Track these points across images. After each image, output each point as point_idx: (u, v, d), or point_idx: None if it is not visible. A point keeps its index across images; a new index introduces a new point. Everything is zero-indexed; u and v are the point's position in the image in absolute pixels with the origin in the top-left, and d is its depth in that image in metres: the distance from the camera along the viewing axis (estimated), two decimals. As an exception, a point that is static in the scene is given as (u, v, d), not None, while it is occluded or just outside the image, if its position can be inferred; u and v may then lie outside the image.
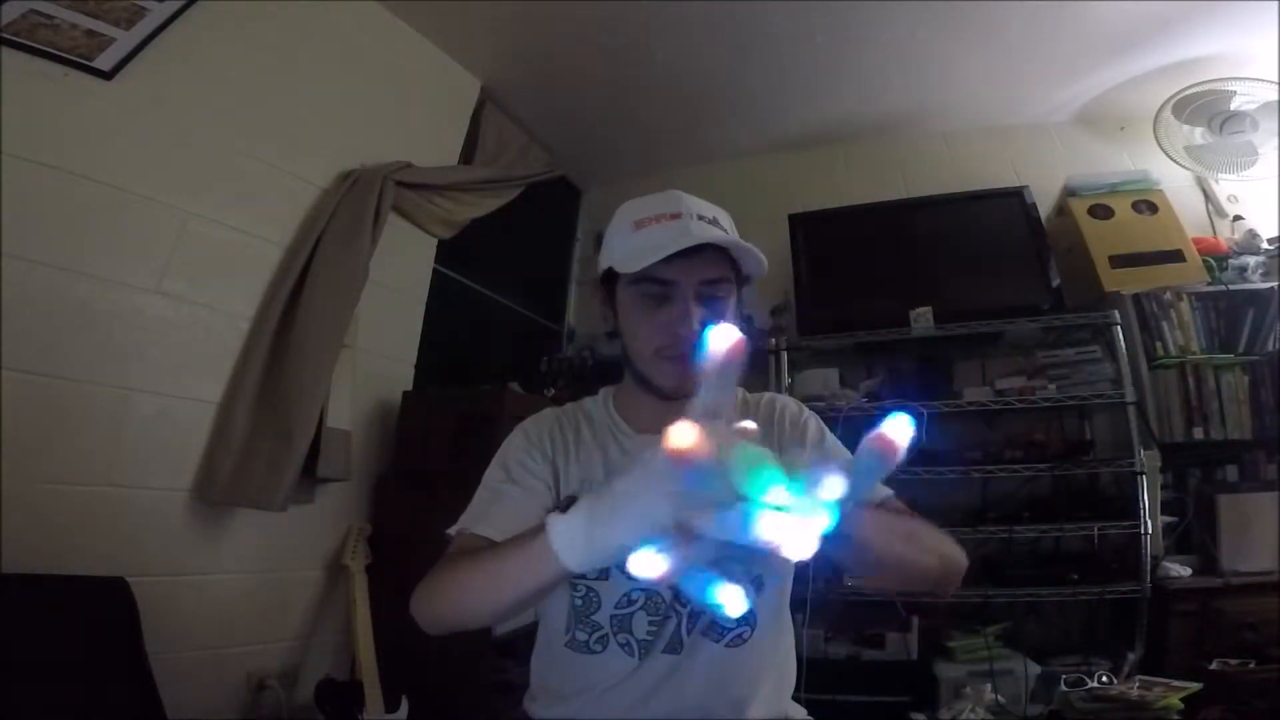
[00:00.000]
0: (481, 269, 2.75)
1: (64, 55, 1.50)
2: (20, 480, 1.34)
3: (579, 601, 0.87)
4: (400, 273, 2.27)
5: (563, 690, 0.90)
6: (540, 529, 0.52)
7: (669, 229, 0.82)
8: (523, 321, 3.04)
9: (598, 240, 0.95)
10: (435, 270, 2.46)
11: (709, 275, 0.83)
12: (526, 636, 1.92)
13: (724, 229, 0.85)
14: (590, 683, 0.87)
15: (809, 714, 0.96)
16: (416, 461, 2.06)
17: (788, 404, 0.97)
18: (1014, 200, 2.56)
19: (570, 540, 0.49)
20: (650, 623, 0.85)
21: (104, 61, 1.55)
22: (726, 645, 0.86)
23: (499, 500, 0.83)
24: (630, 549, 0.41)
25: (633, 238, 0.85)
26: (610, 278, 0.89)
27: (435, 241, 2.42)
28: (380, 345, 2.16)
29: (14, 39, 1.43)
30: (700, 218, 0.84)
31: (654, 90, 2.73)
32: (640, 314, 0.85)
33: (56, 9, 1.50)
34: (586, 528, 0.48)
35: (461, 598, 0.69)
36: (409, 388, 2.26)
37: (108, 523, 1.49)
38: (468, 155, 2.60)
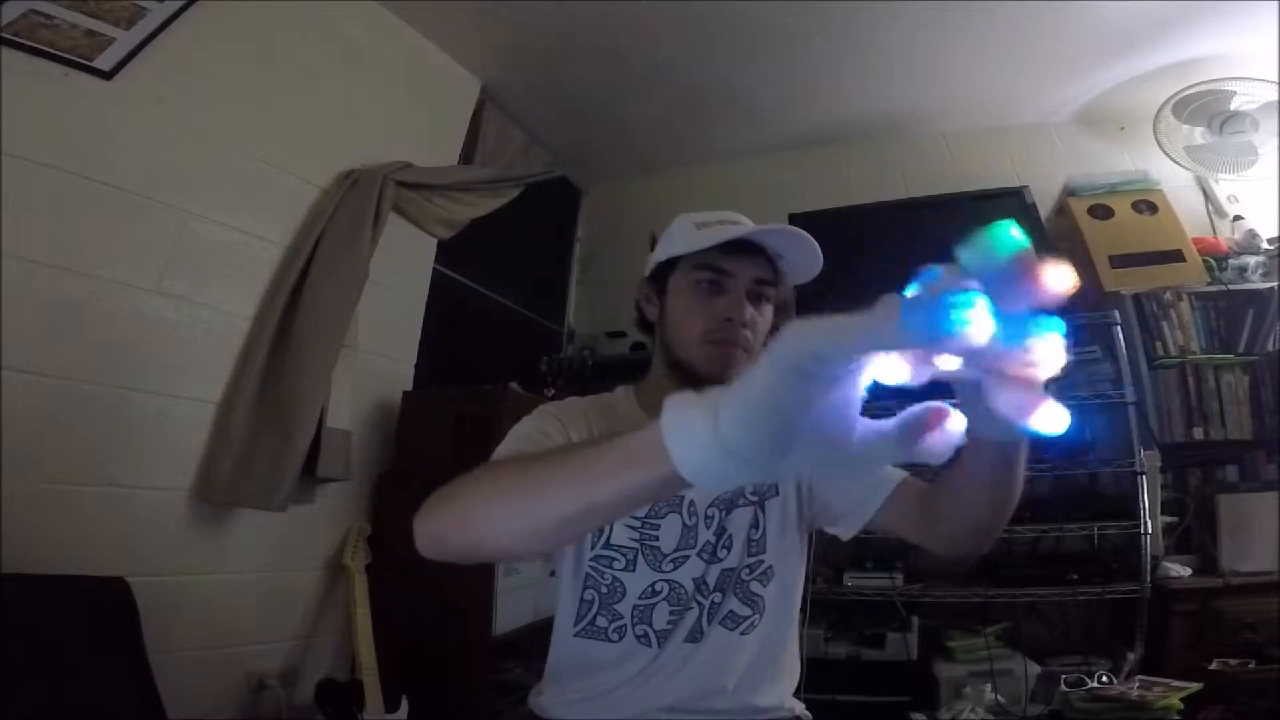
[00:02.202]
0: (481, 269, 2.75)
1: (64, 55, 1.50)
2: (20, 480, 1.34)
3: (604, 589, 0.88)
4: (400, 273, 2.27)
5: (575, 683, 0.90)
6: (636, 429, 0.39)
7: (733, 229, 0.88)
8: (523, 321, 3.04)
9: (652, 241, 1.01)
10: (435, 270, 2.46)
11: (762, 275, 0.90)
12: (527, 636, 1.93)
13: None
14: (606, 676, 0.88)
15: (809, 714, 0.96)
16: (416, 461, 2.06)
17: None
18: (1014, 200, 2.56)
19: (696, 434, 0.33)
20: (671, 613, 0.87)
21: (104, 61, 1.55)
22: (740, 633, 0.88)
23: (544, 443, 0.81)
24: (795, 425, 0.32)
25: (697, 233, 0.90)
26: (660, 274, 0.95)
27: (435, 241, 2.42)
28: (380, 345, 2.16)
29: (14, 39, 1.43)
30: (776, 226, 0.89)
31: (654, 90, 2.73)
32: (694, 299, 0.90)
33: (56, 9, 1.50)
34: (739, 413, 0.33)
35: (505, 502, 0.49)
36: (409, 388, 2.26)
37: (108, 523, 1.49)
38: (468, 155, 2.60)
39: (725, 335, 0.87)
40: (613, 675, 0.88)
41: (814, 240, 0.87)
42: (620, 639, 0.87)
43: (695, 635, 0.87)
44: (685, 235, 0.91)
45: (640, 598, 0.87)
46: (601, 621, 0.88)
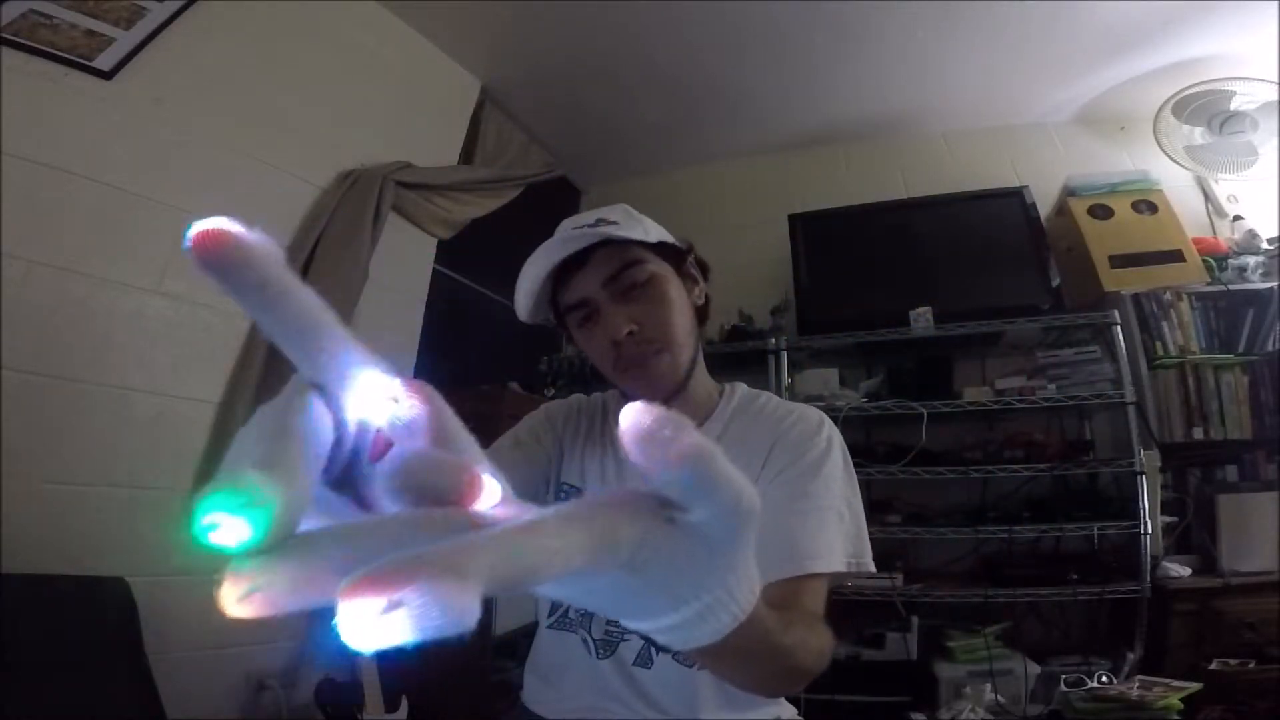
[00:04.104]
0: (481, 269, 2.75)
1: (64, 55, 1.50)
2: (20, 480, 1.34)
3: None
4: (400, 273, 2.27)
5: (553, 677, 0.89)
6: None
7: (541, 262, 0.82)
8: (523, 321, 3.03)
9: None
10: (435, 270, 2.46)
11: (607, 271, 0.81)
12: (527, 636, 1.92)
13: (613, 221, 0.82)
14: (570, 677, 0.86)
15: (806, 713, 0.95)
16: (416, 461, 2.05)
17: (807, 418, 0.85)
18: (1014, 200, 2.56)
19: None
20: (608, 624, 0.84)
21: (104, 61, 1.56)
22: (690, 664, 0.82)
23: (495, 459, 0.78)
24: None
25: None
26: (560, 320, 0.90)
27: (435, 241, 2.42)
28: (380, 345, 2.14)
29: (14, 39, 1.43)
30: (574, 229, 0.81)
31: (654, 90, 2.73)
32: (585, 342, 0.86)
33: (56, 9, 1.50)
34: None
35: None
36: (409, 388, 2.25)
37: (108, 523, 1.49)
38: (468, 155, 2.60)
39: (623, 358, 0.82)
40: (576, 676, 0.86)
41: (587, 235, 0.79)
42: (574, 634, 0.87)
43: (645, 660, 0.83)
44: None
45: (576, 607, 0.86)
46: (569, 616, 0.88)
